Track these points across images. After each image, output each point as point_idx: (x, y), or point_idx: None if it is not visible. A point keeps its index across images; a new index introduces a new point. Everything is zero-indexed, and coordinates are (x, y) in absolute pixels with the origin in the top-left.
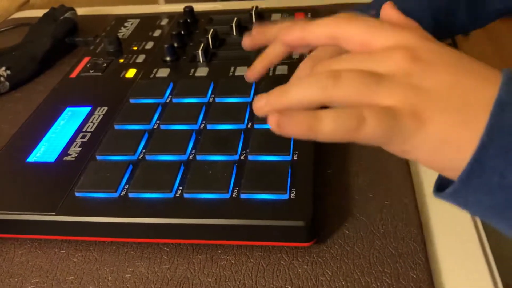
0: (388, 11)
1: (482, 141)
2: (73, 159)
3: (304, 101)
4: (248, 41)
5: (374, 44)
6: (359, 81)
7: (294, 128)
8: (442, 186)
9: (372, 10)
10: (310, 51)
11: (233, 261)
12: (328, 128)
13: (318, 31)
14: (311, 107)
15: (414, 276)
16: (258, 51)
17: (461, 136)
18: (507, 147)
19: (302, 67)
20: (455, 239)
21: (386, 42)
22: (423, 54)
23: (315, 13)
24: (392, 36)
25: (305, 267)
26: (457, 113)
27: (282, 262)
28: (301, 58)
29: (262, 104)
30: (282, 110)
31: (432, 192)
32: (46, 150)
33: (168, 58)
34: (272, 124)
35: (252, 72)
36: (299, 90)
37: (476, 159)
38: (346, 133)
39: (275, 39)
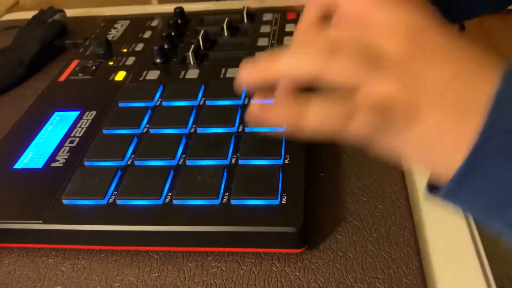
0: None
1: (477, 142)
2: (61, 165)
3: (294, 72)
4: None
5: (375, 17)
6: (357, 61)
7: (277, 118)
8: (434, 184)
9: None
10: None
11: (224, 269)
12: (315, 118)
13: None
14: (300, 82)
15: (408, 282)
16: (249, 53)
17: (456, 136)
18: (503, 148)
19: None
20: (449, 243)
21: (389, 17)
22: (426, 39)
23: None
24: (395, 12)
25: (297, 273)
26: (453, 111)
27: (273, 269)
28: None
29: (247, 72)
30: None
31: (424, 191)
32: (33, 157)
33: (158, 60)
34: (254, 107)
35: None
36: (291, 59)
37: (470, 160)
38: (334, 125)
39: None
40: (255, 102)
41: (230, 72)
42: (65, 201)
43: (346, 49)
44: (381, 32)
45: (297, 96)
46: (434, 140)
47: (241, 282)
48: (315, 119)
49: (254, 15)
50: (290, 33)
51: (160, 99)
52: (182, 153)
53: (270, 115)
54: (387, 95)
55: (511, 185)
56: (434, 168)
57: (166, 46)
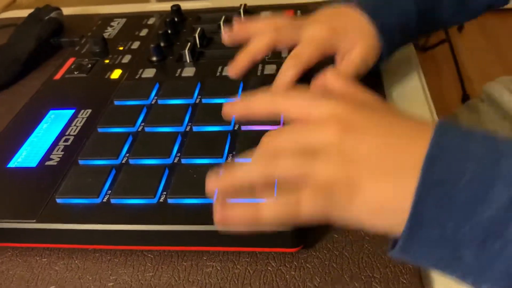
0: (331, 79)
1: (416, 197)
2: (55, 164)
3: (249, 179)
4: (228, 37)
5: (311, 116)
6: (295, 158)
7: (238, 221)
8: (395, 243)
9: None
10: (290, 50)
11: (219, 268)
12: (269, 216)
13: (260, 107)
14: (257, 184)
15: (405, 281)
16: None
17: (395, 198)
18: (441, 199)
19: (284, 69)
20: None
21: (321, 114)
22: (353, 122)
23: (305, 10)
24: (326, 108)
25: (293, 273)
26: (387, 177)
27: (269, 268)
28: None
29: (212, 184)
30: (227, 194)
31: (388, 251)
32: (27, 155)
33: (154, 58)
34: (216, 220)
35: (235, 69)
36: (244, 169)
37: (413, 216)
38: (287, 217)
39: (257, 34)
40: (217, 207)
41: (227, 70)
42: (59, 200)
43: (285, 152)
44: (317, 128)
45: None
46: (378, 206)
47: (236, 282)
48: (270, 213)
49: (251, 13)
50: None
51: (155, 97)
52: (177, 152)
53: (232, 218)
54: (327, 177)
55: (458, 233)
56: (389, 231)
57: (162, 44)
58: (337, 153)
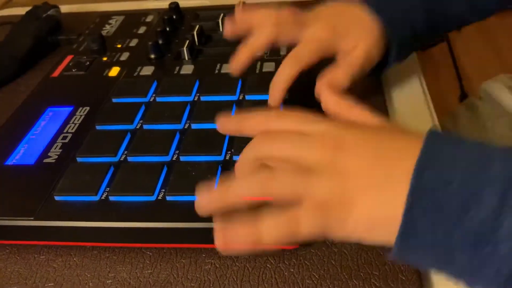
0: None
1: (407, 205)
2: (53, 161)
3: (244, 198)
4: (230, 29)
5: (304, 132)
6: (292, 175)
7: (240, 246)
8: None
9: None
10: (289, 48)
11: (217, 265)
12: (270, 238)
13: (253, 126)
14: (253, 203)
15: (403, 278)
16: None
17: (388, 210)
18: (431, 206)
19: (282, 67)
20: None
21: (313, 132)
22: (344, 141)
23: (303, 8)
24: (319, 128)
25: (292, 270)
26: (378, 189)
27: (268, 265)
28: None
29: (205, 202)
30: (225, 213)
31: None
32: (25, 152)
33: (152, 56)
34: (219, 247)
35: (237, 64)
36: (239, 188)
37: (405, 224)
38: (287, 237)
39: (258, 27)
40: (218, 231)
41: (225, 68)
42: (57, 198)
43: (282, 169)
44: (309, 145)
45: (248, 219)
46: (372, 219)
47: (235, 279)
48: (270, 233)
49: None
50: None
51: (154, 95)
52: (175, 149)
53: (233, 245)
54: (322, 195)
55: (449, 238)
56: (386, 241)
57: (160, 42)
58: (329, 170)
